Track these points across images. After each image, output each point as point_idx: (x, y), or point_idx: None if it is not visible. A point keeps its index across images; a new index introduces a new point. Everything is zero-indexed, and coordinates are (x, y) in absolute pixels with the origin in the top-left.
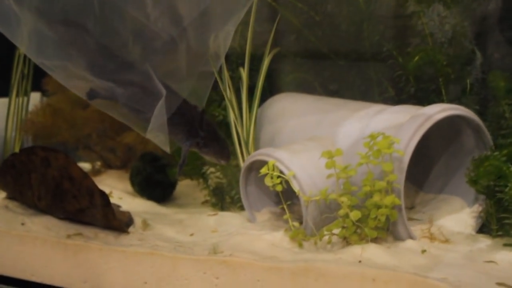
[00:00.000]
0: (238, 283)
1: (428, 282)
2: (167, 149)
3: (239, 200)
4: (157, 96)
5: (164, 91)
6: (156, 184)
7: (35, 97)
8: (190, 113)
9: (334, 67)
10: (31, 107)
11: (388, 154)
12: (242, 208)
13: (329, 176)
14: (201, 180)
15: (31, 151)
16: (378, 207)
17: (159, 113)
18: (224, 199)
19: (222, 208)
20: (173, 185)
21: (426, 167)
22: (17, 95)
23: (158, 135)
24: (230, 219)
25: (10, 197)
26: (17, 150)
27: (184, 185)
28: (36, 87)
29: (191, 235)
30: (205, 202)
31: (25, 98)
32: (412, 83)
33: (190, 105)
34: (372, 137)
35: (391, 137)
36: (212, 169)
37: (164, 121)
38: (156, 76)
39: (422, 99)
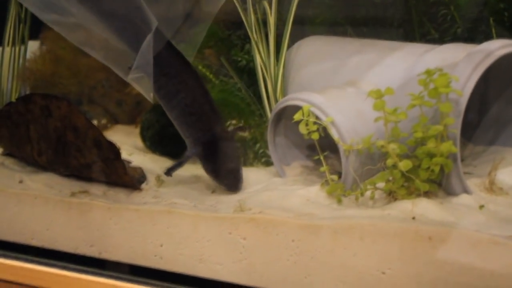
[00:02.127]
0: (269, 244)
1: (494, 240)
2: (149, 96)
3: (264, 154)
4: (144, 30)
5: (155, 22)
6: (170, 138)
7: (33, 45)
8: (211, 122)
9: (369, 7)
10: (29, 55)
11: (445, 95)
12: (267, 163)
13: (377, 119)
14: None
15: (29, 100)
16: (432, 156)
17: (146, 51)
18: (246, 153)
19: (245, 163)
20: None
21: (474, 116)
22: (13, 42)
23: (141, 77)
24: (255, 175)
25: (6, 153)
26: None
27: None
28: (35, 35)
29: (213, 192)
30: None
31: (22, 46)
32: (459, 23)
33: (218, 116)
34: (429, 73)
35: (448, 74)
36: (233, 122)
37: (150, 61)
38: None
39: (470, 42)
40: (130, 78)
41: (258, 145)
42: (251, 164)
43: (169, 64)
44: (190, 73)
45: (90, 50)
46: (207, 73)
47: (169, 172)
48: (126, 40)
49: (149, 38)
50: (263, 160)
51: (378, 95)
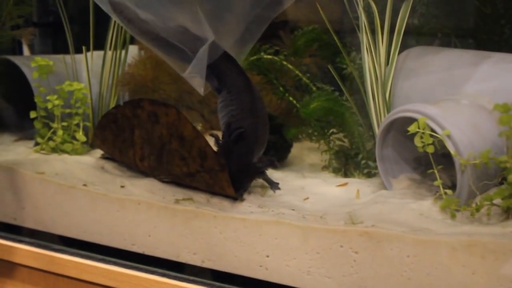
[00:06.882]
0: (382, 259)
1: None
2: (201, 91)
3: (366, 165)
4: (202, 39)
5: (212, 36)
6: (269, 146)
7: (133, 50)
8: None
9: (477, 18)
10: (129, 60)
11: None
12: (369, 174)
13: (501, 134)
14: (322, 142)
15: (137, 104)
16: None
17: (201, 57)
18: (347, 164)
19: (345, 174)
20: (288, 148)
21: None
22: (114, 47)
23: (194, 76)
24: (360, 187)
25: (106, 156)
26: (112, 106)
27: (296, 148)
28: (135, 40)
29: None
30: (325, 168)
31: (123, 51)
32: None
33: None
34: None
35: None
36: (334, 130)
37: (204, 66)
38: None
39: None
40: (185, 75)
41: (360, 156)
42: (352, 175)
43: (233, 83)
44: (248, 90)
45: (146, 42)
46: (304, 79)
47: None
48: (183, 44)
49: (205, 47)
50: (365, 171)
51: (505, 109)
